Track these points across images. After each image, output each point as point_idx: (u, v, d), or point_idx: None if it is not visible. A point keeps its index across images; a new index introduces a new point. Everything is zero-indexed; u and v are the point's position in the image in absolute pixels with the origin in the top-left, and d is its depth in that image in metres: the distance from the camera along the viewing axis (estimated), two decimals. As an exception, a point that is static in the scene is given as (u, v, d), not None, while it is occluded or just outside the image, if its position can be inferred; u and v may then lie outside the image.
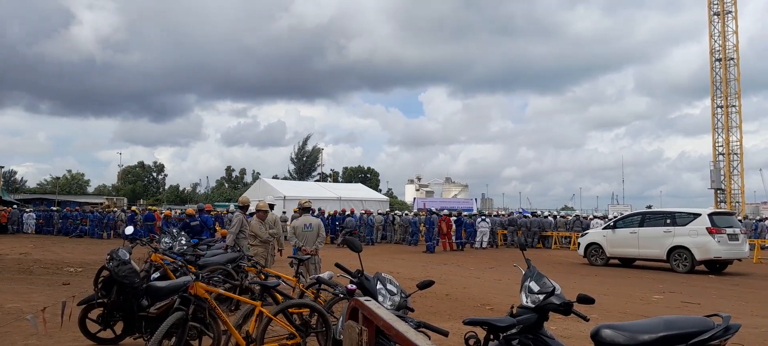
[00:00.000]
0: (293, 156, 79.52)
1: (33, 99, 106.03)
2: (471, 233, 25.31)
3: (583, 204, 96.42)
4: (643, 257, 16.75)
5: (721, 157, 46.22)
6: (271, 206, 10.44)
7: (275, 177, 67.14)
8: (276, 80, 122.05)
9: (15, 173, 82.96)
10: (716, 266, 15.76)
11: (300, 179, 68.63)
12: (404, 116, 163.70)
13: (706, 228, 15.44)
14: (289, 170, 78.48)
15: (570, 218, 29.35)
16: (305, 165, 78.16)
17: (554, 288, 3.63)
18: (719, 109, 46.47)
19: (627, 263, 17.55)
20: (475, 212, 34.10)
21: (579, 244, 18.43)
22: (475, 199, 55.57)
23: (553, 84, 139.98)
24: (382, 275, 4.28)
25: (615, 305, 9.95)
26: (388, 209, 31.76)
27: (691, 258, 15.47)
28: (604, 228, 17.85)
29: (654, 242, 16.23)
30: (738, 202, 45.98)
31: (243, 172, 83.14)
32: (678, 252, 15.71)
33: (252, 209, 11.21)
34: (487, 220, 25.52)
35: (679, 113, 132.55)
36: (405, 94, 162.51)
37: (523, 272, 4.38)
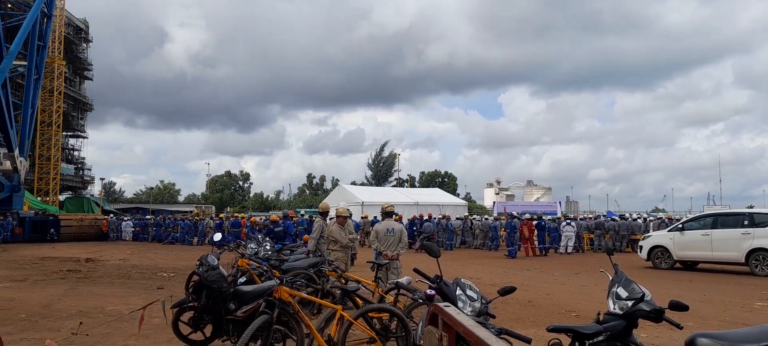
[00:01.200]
0: (370, 162, 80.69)
1: (131, 115, 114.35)
2: (555, 237, 24.60)
3: (675, 206, 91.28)
4: (716, 260, 16.12)
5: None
6: (349, 213, 10.64)
7: (353, 183, 68.36)
8: (355, 88, 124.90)
9: (114, 184, 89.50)
10: None
11: (377, 185, 69.43)
12: (483, 118, 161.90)
13: None
14: (366, 176, 79.71)
15: (658, 220, 27.84)
16: (381, 170, 79.00)
17: (644, 294, 3.49)
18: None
19: (689, 266, 17.01)
20: (559, 215, 33.10)
21: (641, 247, 17.70)
22: (559, 202, 53.95)
23: (643, 80, 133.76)
24: (462, 280, 4.26)
25: (712, 312, 9.40)
26: (466, 214, 31.44)
27: None
28: (671, 230, 17.28)
29: (730, 244, 15.60)
30: None
31: (323, 179, 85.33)
32: (758, 254, 15.07)
33: (332, 214, 11.48)
34: (573, 224, 24.73)
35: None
36: (485, 96, 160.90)
37: (611, 278, 4.23)
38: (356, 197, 33.17)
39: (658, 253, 17.20)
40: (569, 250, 23.87)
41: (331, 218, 11.04)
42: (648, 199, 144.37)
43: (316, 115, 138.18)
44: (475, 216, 32.71)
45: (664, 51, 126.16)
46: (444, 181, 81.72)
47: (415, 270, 4.69)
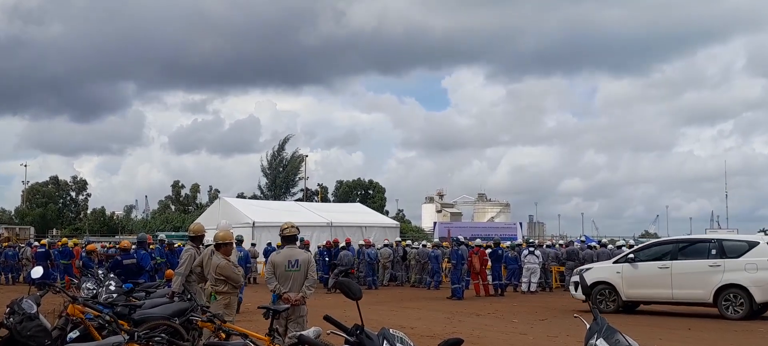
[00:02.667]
0: (266, 166, 79.88)
1: None
2: (515, 270, 25.14)
3: (671, 229, 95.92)
4: (677, 301, 17.02)
5: None
6: (239, 240, 10.45)
7: (241, 196, 67.32)
8: (247, 61, 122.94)
9: None
10: (753, 310, 15.94)
11: (275, 198, 68.85)
12: (423, 108, 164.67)
13: None
14: (260, 186, 78.90)
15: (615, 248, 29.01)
16: (282, 178, 78.46)
17: (632, 348, 3.61)
18: None
19: (629, 308, 17.68)
20: (520, 241, 34.02)
21: (577, 283, 17.94)
22: (520, 223, 55.44)
23: (633, 62, 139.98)
24: (390, 332, 4.26)
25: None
26: (397, 239, 31.73)
27: (748, 300, 15.77)
28: (617, 261, 18.08)
29: (694, 279, 16.40)
30: None
31: (196, 189, 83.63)
32: (730, 292, 16.03)
33: (209, 239, 11.23)
34: (537, 253, 25.42)
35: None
36: (426, 79, 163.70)
37: (588, 326, 4.34)
38: (244, 216, 32.70)
39: (601, 291, 17.68)
40: (533, 288, 24.42)
41: (207, 245, 10.81)
42: (636, 219, 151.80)
43: (188, 98, 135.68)
44: (409, 242, 33.02)
45: (660, 24, 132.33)
46: (368, 193, 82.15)
47: (327, 318, 4.64)
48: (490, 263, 24.26)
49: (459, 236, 28.36)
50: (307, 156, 78.14)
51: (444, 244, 29.62)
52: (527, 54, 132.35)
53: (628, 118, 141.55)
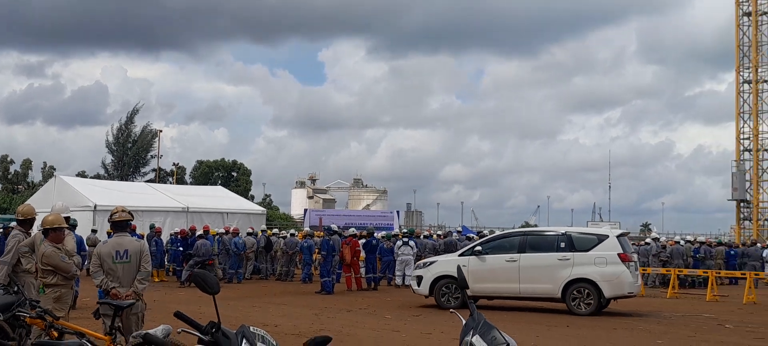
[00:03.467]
0: (111, 141, 77.01)
1: None
2: (389, 263, 25.52)
3: (552, 220, 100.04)
4: (525, 295, 17.93)
5: (747, 154, 49.63)
6: (70, 221, 10.06)
7: (82, 175, 64.73)
8: (95, 19, 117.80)
9: None
10: (600, 303, 17.19)
11: (122, 178, 66.69)
12: (298, 82, 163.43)
13: (618, 254, 17.09)
14: (104, 164, 76.10)
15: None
16: (131, 156, 75.91)
17: (508, 345, 3.72)
18: (746, 86, 49.91)
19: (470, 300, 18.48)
20: (395, 231, 34.50)
21: (420, 277, 18.75)
22: (397, 212, 56.34)
23: (523, 42, 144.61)
24: (251, 329, 4.22)
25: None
26: (263, 227, 31.47)
27: (597, 295, 16.96)
28: (463, 254, 18.68)
29: (543, 273, 17.40)
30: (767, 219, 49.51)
31: (28, 165, 79.69)
32: (579, 287, 17.11)
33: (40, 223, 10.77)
34: (412, 244, 25.88)
35: (700, 90, 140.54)
36: (301, 50, 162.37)
37: (464, 322, 4.45)
38: (84, 198, 31.42)
39: (446, 286, 18.19)
40: (408, 281, 24.95)
41: (39, 230, 10.37)
42: (518, 210, 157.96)
43: (23, 59, 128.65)
44: (276, 231, 32.84)
45: (552, 2, 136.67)
46: (232, 176, 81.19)
47: (178, 315, 4.53)
48: (363, 254, 24.50)
49: (331, 225, 28.50)
50: (161, 131, 75.99)
51: (317, 234, 29.67)
52: (413, 29, 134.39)
53: (515, 102, 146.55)
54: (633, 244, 31.36)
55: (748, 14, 48.78)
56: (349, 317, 16.36)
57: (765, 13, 48.67)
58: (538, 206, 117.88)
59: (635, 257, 18.09)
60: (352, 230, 26.15)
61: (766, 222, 48.90)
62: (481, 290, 17.88)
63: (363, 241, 24.92)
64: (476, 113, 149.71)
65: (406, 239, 26.08)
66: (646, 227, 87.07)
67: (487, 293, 18.11)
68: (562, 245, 17.31)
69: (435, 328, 14.41)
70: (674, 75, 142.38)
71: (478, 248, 18.26)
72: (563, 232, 18.09)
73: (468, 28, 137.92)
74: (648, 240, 30.89)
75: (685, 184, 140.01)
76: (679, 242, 30.35)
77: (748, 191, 48.85)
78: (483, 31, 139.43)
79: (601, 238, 17.41)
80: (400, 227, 44.48)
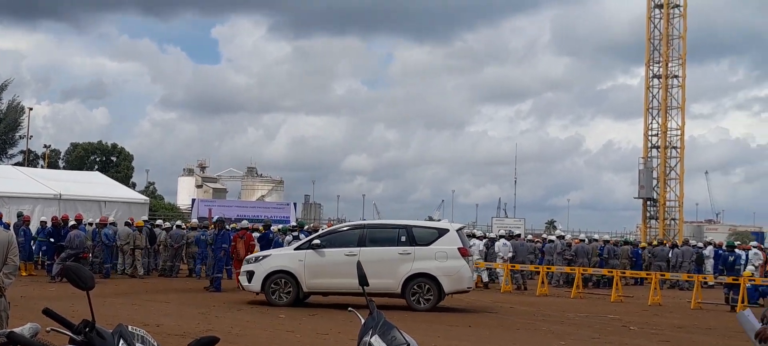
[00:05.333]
0: (-28, 117, 73.97)
1: None
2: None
3: (456, 216, 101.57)
4: (367, 291, 18.30)
5: (655, 151, 51.53)
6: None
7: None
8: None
9: None
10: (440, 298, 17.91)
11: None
12: (191, 60, 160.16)
13: (458, 248, 17.91)
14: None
15: None
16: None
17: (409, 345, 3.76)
18: (656, 80, 51.76)
19: (300, 301, 18.38)
20: (292, 223, 34.40)
21: (251, 273, 18.67)
22: (294, 204, 56.22)
23: (436, 27, 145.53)
24: (129, 329, 4.13)
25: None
26: (144, 218, 30.85)
27: (437, 290, 17.67)
28: (300, 247, 19.07)
29: (384, 267, 17.69)
30: (674, 218, 51.52)
31: None
32: (419, 282, 17.76)
33: None
34: (302, 237, 25.68)
35: (613, 84, 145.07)
36: (195, 25, 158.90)
37: (363, 321, 4.48)
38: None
39: (276, 281, 18.19)
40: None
41: None
42: (422, 204, 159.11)
43: None
44: (161, 222, 32.28)
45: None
46: (111, 161, 79.12)
47: (47, 312, 4.39)
48: (257, 248, 24.34)
49: (222, 216, 28.21)
50: (31, 109, 73.14)
51: (209, 225, 29.32)
52: (319, 7, 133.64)
53: (424, 90, 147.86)
54: (537, 241, 32.42)
55: (660, 6, 50.37)
56: (240, 316, 16.26)
57: (677, 5, 50.26)
58: (443, 201, 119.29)
59: (473, 252, 19.02)
60: (244, 223, 25.94)
61: (672, 221, 50.86)
62: (320, 285, 18.25)
63: (257, 235, 24.75)
64: (384, 100, 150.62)
65: (295, 233, 25.86)
66: (551, 224, 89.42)
67: (326, 289, 18.43)
68: (403, 238, 17.85)
69: (332, 328, 14.49)
70: (587, 68, 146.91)
71: (317, 241, 18.53)
72: (404, 225, 18.69)
73: (378, 9, 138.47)
74: (552, 237, 31.74)
75: (593, 180, 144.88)
76: (584, 241, 31.33)
77: (655, 189, 50.79)
78: (394, 13, 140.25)
79: (442, 232, 18.11)
80: (297, 220, 44.30)
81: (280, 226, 30.09)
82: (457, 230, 18.38)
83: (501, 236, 29.51)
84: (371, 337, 4.18)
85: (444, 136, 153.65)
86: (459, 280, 17.74)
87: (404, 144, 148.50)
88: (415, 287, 17.51)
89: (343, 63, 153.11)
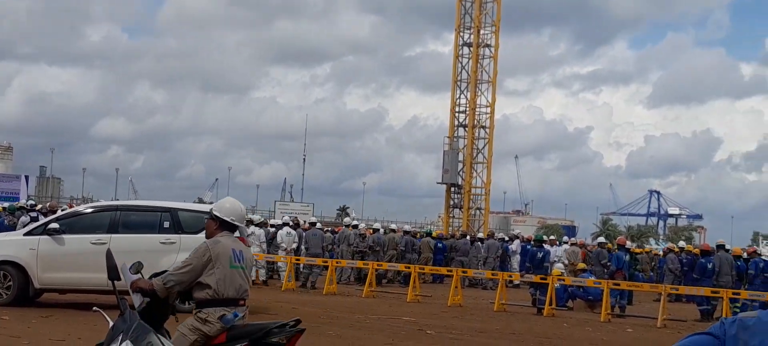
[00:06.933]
0: None
1: None
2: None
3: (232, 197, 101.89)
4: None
5: (461, 130, 53.29)
6: None
7: None
8: None
9: None
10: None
11: None
12: None
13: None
14: None
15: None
16: None
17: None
18: (466, 49, 53.39)
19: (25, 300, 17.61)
20: (23, 202, 33.17)
21: None
22: (26, 177, 53.93)
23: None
24: None
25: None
26: None
27: None
28: (32, 233, 18.00)
29: (142, 260, 17.78)
30: (480, 208, 53.59)
31: None
32: None
33: None
34: (30, 218, 25.54)
35: (422, 50, 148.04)
36: None
37: (111, 324, 4.33)
38: None
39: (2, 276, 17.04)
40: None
41: None
42: (193, 183, 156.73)
43: None
44: None
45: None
46: None
47: None
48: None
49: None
50: None
51: None
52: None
53: (201, 44, 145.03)
54: (327, 232, 32.80)
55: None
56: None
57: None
58: (217, 179, 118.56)
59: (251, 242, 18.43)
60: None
61: (477, 211, 52.86)
62: (57, 280, 17.29)
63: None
64: (150, 53, 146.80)
65: (34, 214, 25.31)
66: (343, 211, 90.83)
67: (65, 285, 17.57)
68: (166, 224, 17.37)
69: (73, 330, 14.06)
70: (394, 30, 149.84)
71: (54, 225, 17.43)
72: (167, 207, 18.05)
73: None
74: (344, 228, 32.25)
75: (394, 162, 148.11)
76: (379, 231, 32.02)
77: (461, 173, 52.48)
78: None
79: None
80: (28, 197, 42.53)
81: (6, 204, 28.85)
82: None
83: (285, 224, 29.68)
84: (121, 343, 4.06)
85: (223, 101, 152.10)
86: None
87: (173, 109, 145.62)
88: None
89: (100, 3, 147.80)
